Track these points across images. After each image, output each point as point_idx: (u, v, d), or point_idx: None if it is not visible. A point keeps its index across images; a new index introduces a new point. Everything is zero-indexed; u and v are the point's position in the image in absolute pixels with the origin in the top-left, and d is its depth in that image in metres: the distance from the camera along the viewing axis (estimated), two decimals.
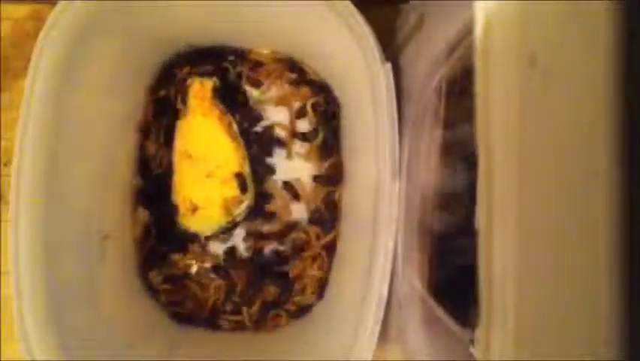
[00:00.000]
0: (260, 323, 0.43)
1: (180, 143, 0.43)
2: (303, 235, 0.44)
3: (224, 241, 0.45)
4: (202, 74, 0.44)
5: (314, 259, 0.43)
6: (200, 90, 0.43)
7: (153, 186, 0.44)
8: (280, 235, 0.44)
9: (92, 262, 0.38)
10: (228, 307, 0.44)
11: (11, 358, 0.42)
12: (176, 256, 0.44)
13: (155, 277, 0.44)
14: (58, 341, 0.33)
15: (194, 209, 0.43)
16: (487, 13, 0.17)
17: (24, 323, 0.32)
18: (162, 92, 0.45)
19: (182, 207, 0.43)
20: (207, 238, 0.44)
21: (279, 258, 0.44)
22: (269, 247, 0.45)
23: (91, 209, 0.38)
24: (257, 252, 0.44)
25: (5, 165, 0.46)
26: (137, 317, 0.41)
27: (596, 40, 0.17)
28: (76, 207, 0.37)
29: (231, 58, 0.45)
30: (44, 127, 0.34)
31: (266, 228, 0.45)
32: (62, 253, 0.35)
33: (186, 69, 0.45)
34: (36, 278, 0.33)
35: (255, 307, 0.43)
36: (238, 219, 0.43)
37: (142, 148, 0.44)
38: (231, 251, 0.45)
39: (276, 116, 0.45)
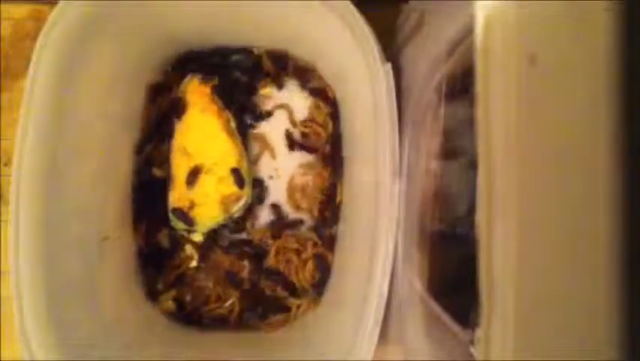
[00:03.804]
0: (259, 323, 0.43)
1: (178, 139, 0.43)
2: (303, 235, 0.44)
3: (222, 239, 0.45)
4: (202, 72, 0.44)
5: (314, 258, 0.43)
6: (200, 86, 0.43)
7: (152, 185, 0.44)
8: (279, 235, 0.44)
9: (92, 262, 0.38)
10: (227, 306, 0.44)
11: (11, 358, 0.43)
12: (174, 255, 0.44)
13: (155, 277, 0.44)
14: (58, 341, 0.33)
15: (192, 206, 0.43)
16: (487, 13, 0.17)
17: (24, 323, 0.32)
18: (162, 92, 0.45)
19: (179, 204, 0.43)
20: (205, 237, 0.44)
21: (278, 258, 0.44)
22: (268, 247, 0.45)
23: (91, 209, 0.38)
24: (256, 250, 0.45)
25: (5, 165, 0.46)
26: (137, 316, 0.41)
27: (596, 40, 0.17)
28: (76, 207, 0.37)
29: (230, 57, 0.45)
30: (44, 127, 0.34)
31: (264, 226, 0.45)
32: (62, 253, 0.35)
33: (186, 68, 0.45)
34: (36, 278, 0.33)
35: (254, 307, 0.43)
36: (236, 215, 0.43)
37: (141, 148, 0.44)
38: (228, 250, 0.45)
39: (275, 114, 0.46)
